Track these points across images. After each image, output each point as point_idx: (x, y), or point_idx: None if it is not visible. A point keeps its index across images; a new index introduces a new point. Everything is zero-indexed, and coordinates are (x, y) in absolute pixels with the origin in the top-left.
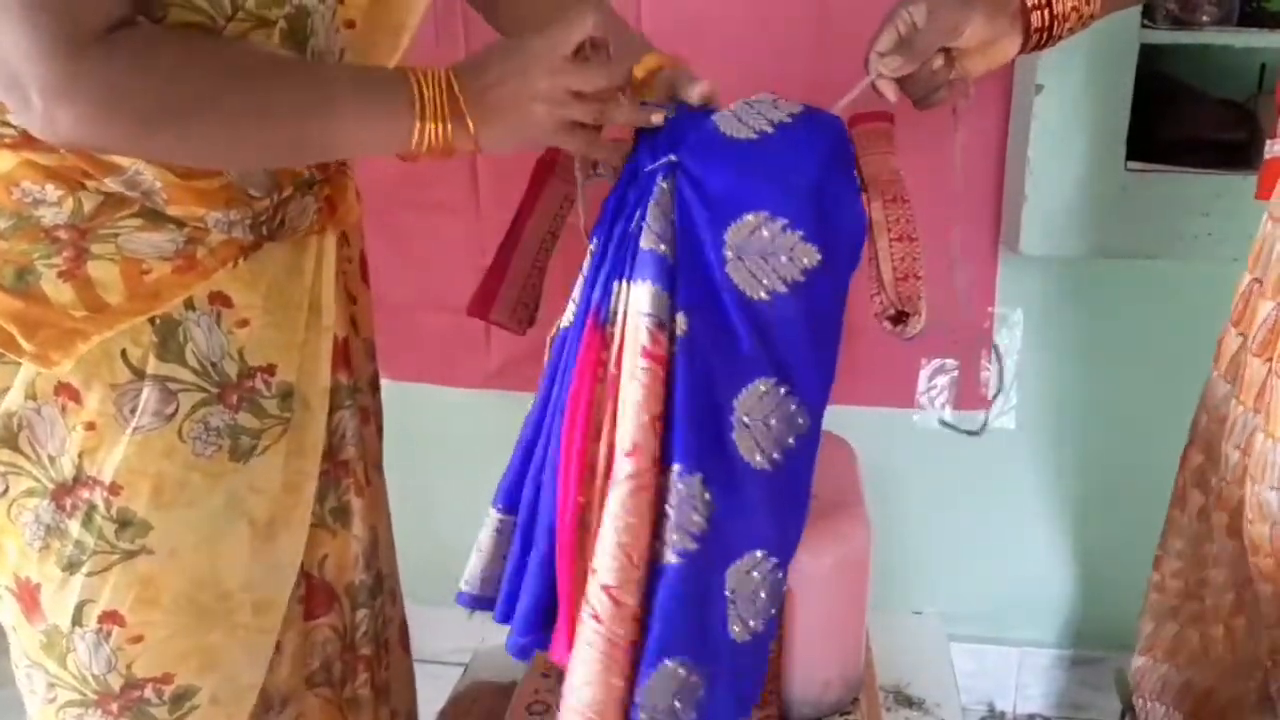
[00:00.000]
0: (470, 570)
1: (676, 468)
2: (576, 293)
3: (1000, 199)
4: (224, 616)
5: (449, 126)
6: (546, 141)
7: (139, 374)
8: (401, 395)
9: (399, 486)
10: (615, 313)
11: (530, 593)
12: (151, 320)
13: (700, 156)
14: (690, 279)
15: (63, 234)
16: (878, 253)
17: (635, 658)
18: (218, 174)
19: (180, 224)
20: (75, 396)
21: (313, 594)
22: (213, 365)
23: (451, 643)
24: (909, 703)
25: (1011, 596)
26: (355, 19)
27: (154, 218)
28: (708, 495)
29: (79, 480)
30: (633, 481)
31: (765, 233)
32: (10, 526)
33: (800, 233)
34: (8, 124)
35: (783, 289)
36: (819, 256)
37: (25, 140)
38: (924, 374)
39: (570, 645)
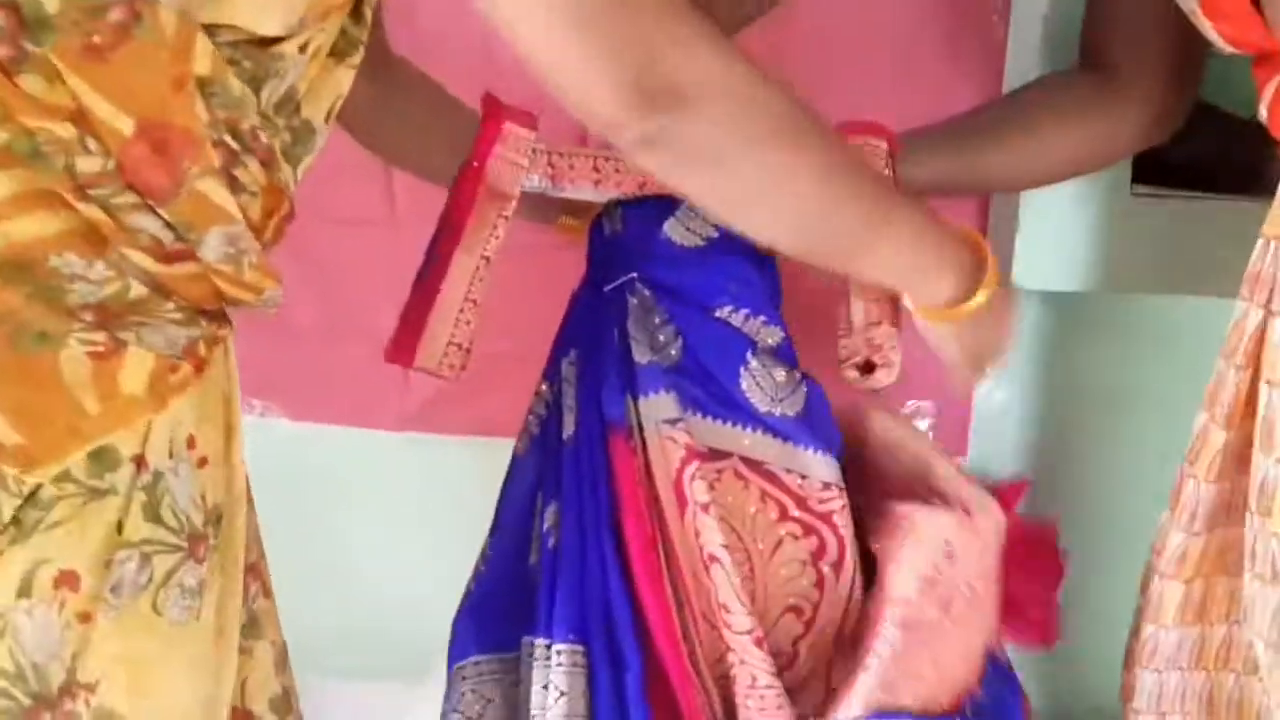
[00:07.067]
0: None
1: None
2: (572, 405)
3: (985, 226)
4: None
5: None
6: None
7: (128, 543)
8: (307, 439)
9: (306, 541)
10: (633, 425)
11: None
12: (138, 480)
13: (662, 267)
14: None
15: (89, 315)
16: (850, 290)
17: None
18: None
19: (212, 318)
20: (75, 585)
21: None
22: (187, 518)
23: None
24: None
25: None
26: None
27: (191, 314)
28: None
29: (65, 689)
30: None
31: (735, 320)
32: None
33: (762, 318)
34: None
35: None
36: (782, 334)
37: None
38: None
39: None
